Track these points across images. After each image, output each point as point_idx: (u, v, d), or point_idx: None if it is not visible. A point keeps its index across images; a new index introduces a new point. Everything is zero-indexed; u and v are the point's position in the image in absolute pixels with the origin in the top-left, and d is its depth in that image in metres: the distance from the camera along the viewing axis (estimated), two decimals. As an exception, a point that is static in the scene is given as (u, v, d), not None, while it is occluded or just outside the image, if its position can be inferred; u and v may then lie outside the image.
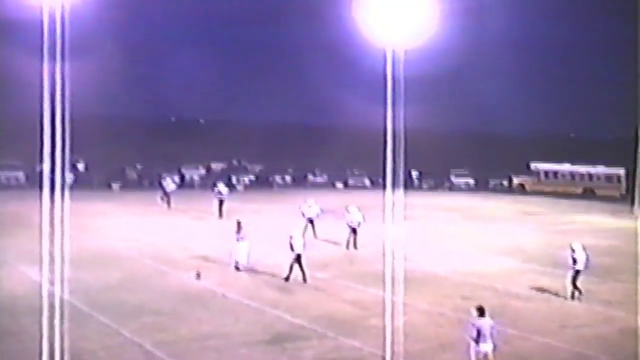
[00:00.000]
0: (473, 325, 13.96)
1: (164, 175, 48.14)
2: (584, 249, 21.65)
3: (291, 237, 23.05)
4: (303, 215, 31.37)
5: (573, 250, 21.50)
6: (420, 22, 14.52)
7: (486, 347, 13.87)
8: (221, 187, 38.07)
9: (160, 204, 39.92)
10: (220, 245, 26.85)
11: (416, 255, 25.76)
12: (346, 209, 29.72)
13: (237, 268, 23.90)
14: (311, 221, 30.81)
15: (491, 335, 13.99)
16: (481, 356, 13.92)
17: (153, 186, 48.47)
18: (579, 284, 21.34)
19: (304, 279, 22.54)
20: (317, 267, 24.60)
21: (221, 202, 36.99)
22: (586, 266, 21.44)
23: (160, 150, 71.58)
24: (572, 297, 21.28)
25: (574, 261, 21.32)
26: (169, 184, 41.41)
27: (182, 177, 57.27)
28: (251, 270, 23.82)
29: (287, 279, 22.52)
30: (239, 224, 24.73)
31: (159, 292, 20.90)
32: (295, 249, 22.67)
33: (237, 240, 24.32)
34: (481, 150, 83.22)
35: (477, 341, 13.86)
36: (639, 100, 34.53)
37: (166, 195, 40.29)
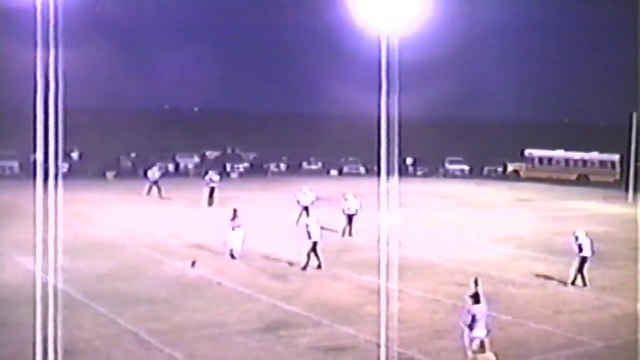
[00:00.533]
0: (469, 311, 14.00)
1: (156, 163, 48.06)
2: (587, 235, 21.45)
3: (307, 225, 23.17)
4: (298, 202, 31.40)
5: (577, 238, 21.21)
6: (415, 9, 14.49)
7: (480, 332, 13.94)
8: (213, 175, 38.06)
9: (146, 196, 39.68)
10: (214, 234, 26.88)
11: (411, 242, 25.85)
12: (343, 196, 29.74)
13: (232, 256, 23.92)
14: (306, 208, 30.83)
15: (485, 321, 14.06)
16: (477, 342, 13.98)
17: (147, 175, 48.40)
18: (585, 272, 21.08)
19: (319, 266, 22.67)
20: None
21: (212, 190, 36.99)
22: (592, 252, 21.22)
23: (155, 139, 71.46)
24: (573, 283, 21.11)
25: (580, 249, 21.02)
26: (155, 172, 41.05)
27: (177, 166, 57.29)
28: (246, 258, 23.85)
29: (304, 267, 22.60)
30: (235, 211, 24.74)
31: (154, 280, 20.90)
32: (312, 236, 22.75)
33: (233, 228, 24.33)
34: (476, 136, 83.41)
35: (471, 327, 13.92)
36: (637, 85, 34.56)
37: (155, 184, 40.03)
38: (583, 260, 21.06)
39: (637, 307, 18.74)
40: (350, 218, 28.85)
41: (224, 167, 56.96)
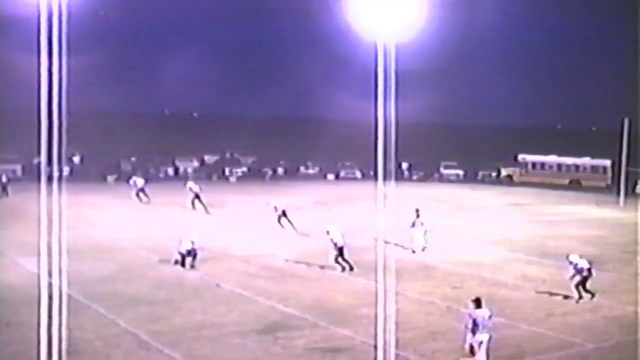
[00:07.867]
0: (470, 316, 14.20)
1: (137, 173, 48.33)
2: (581, 257, 20.56)
3: (328, 232, 23.81)
4: (275, 209, 31.62)
5: (571, 263, 20.25)
6: (412, 15, 14.73)
7: (482, 337, 14.13)
8: (191, 184, 38.35)
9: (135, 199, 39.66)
10: (213, 236, 27.09)
11: (406, 245, 26.16)
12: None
13: (413, 251, 25.68)
14: (284, 213, 31.18)
15: (486, 326, 14.21)
16: (476, 345, 14.16)
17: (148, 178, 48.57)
18: (589, 286, 20.08)
19: (351, 268, 23.19)
20: (308, 257, 24.94)
21: (197, 196, 37.09)
22: (590, 270, 20.13)
23: (155, 143, 71.49)
24: (580, 297, 20.08)
25: (580, 272, 19.98)
26: (137, 181, 40.88)
27: (177, 170, 57.69)
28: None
29: (343, 270, 23.25)
30: (417, 211, 26.74)
31: (154, 282, 21.16)
32: (337, 243, 23.49)
33: (414, 225, 26.33)
34: (470, 142, 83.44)
35: (473, 331, 14.11)
36: (629, 92, 34.95)
37: (142, 191, 39.95)
38: (584, 279, 20.11)
39: (631, 309, 19.08)
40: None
41: (223, 171, 57.51)
